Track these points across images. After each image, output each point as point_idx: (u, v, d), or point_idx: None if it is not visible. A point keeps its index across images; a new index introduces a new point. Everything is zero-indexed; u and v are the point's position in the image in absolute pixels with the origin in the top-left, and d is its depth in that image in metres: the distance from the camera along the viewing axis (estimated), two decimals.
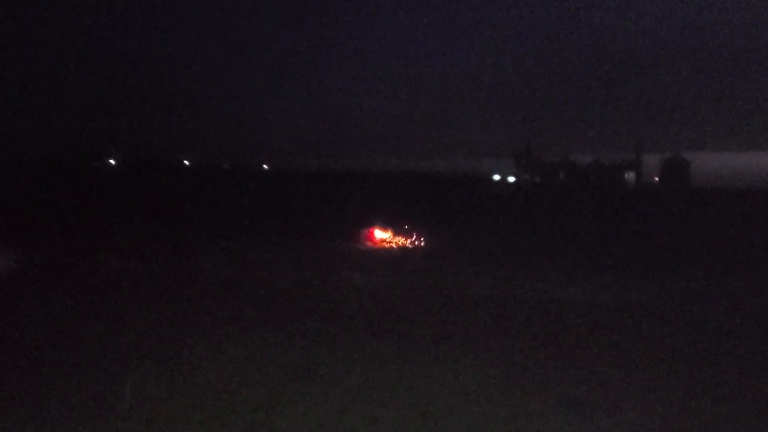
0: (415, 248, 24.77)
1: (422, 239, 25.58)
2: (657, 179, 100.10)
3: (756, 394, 8.29)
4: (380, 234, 25.39)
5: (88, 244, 20.75)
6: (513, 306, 13.93)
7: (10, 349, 9.65)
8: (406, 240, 25.42)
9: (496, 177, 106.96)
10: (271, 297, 13.78)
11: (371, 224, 25.82)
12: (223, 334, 10.57)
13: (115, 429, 7.04)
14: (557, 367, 9.39)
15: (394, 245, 24.97)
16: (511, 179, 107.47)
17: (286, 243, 23.32)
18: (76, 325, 11.17)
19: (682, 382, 8.71)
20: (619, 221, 48.13)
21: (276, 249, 21.57)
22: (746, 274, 18.67)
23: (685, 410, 7.70)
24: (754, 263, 20.94)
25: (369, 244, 24.90)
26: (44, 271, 15.67)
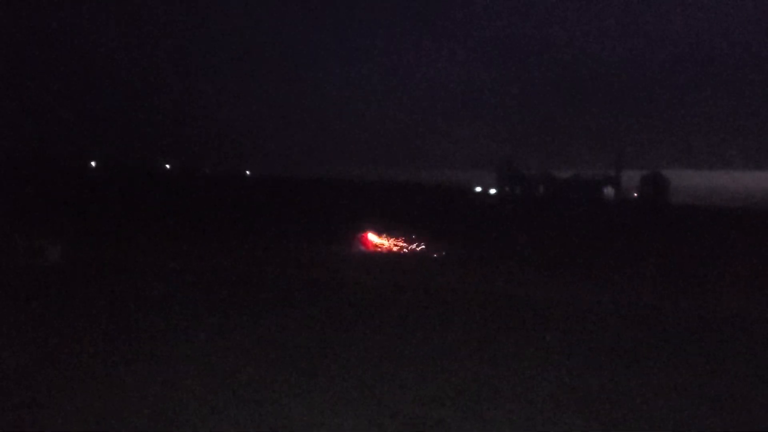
0: (405, 252, 25.58)
1: (412, 244, 26.38)
2: (636, 194, 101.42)
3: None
4: (373, 238, 26.12)
5: (119, 242, 22.57)
6: (490, 300, 15.36)
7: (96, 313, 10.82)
8: (397, 244, 26.19)
9: (478, 189, 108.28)
10: (281, 287, 15.43)
11: (364, 229, 26.54)
12: (249, 312, 12.31)
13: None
14: (515, 342, 10.99)
15: (386, 249, 25.72)
16: (493, 191, 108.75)
17: (284, 246, 24.16)
18: (141, 302, 12.60)
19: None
20: (597, 233, 49.52)
21: (276, 251, 22.54)
22: (715, 285, 19.70)
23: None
24: (722, 276, 21.99)
25: (363, 248, 25.61)
26: (90, 263, 17.13)
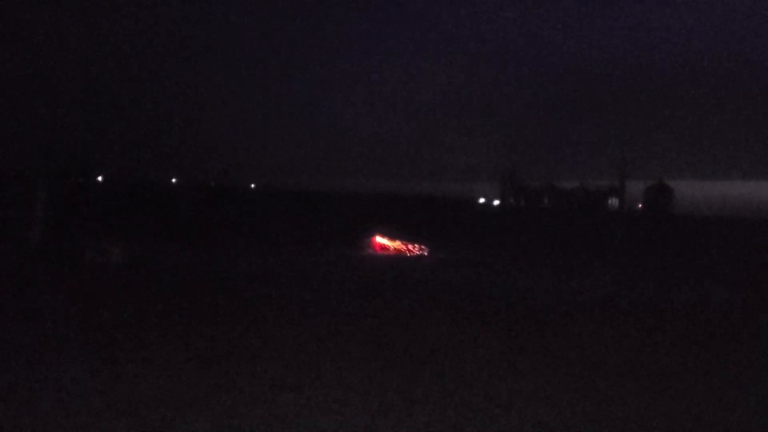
0: (410, 254, 27.30)
1: (416, 247, 28.04)
2: (640, 205, 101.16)
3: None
4: (382, 242, 27.82)
5: (168, 244, 24.64)
6: (482, 290, 17.01)
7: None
8: (403, 247, 27.87)
9: (482, 200, 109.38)
10: (303, 281, 17.05)
11: (373, 234, 28.28)
12: (273, 299, 13.94)
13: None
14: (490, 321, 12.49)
15: (393, 251, 27.43)
16: (496, 202, 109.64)
17: (302, 250, 25.95)
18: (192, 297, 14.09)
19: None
20: (600, 241, 50.98)
21: (295, 254, 24.33)
22: (715, 285, 20.73)
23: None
24: (723, 279, 22.94)
25: (372, 250, 27.32)
26: (148, 261, 19.01)
